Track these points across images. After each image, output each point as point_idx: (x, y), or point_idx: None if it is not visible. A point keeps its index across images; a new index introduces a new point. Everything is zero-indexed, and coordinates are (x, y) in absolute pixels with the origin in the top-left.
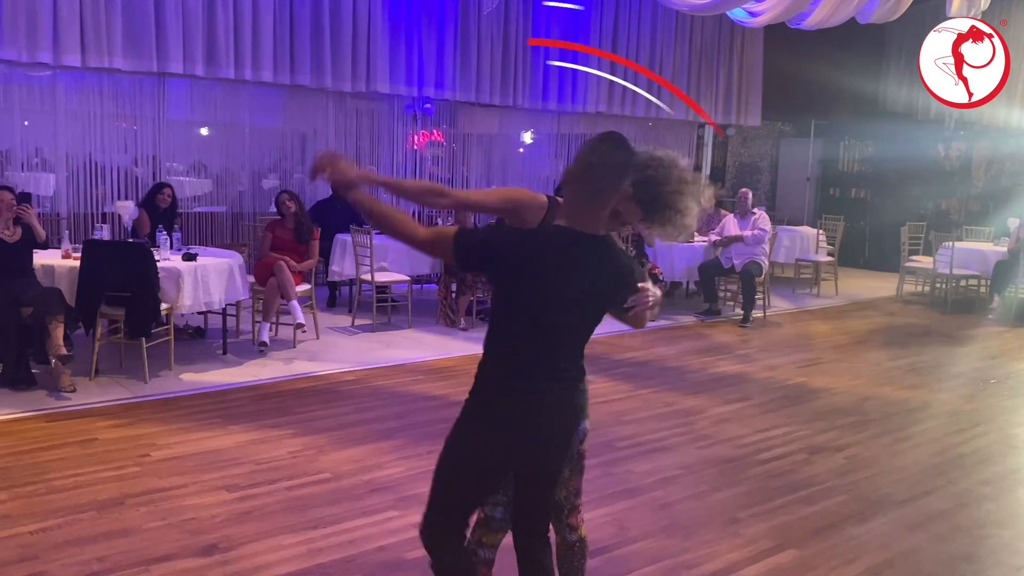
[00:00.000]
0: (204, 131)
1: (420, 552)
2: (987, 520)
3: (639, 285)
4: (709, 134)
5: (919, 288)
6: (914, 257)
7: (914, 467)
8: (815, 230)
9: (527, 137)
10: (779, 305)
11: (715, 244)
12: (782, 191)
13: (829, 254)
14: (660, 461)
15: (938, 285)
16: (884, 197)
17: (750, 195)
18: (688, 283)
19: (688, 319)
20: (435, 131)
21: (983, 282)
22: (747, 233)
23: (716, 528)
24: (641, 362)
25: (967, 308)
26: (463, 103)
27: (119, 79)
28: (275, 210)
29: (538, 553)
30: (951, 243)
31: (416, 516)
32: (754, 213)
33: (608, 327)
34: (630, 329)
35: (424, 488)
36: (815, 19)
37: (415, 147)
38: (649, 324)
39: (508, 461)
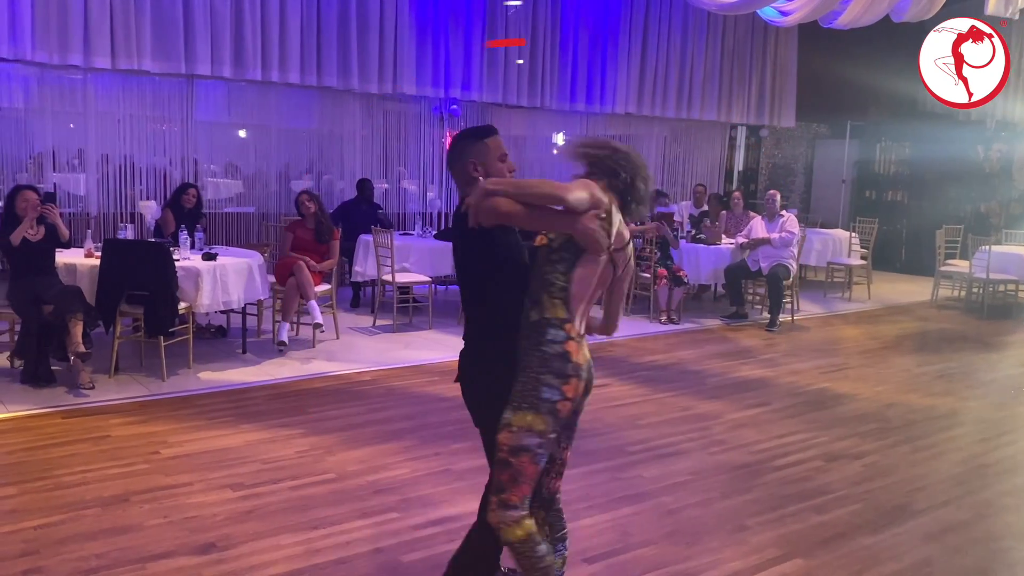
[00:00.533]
0: (242, 133)
1: (416, 555)
2: (1006, 532)
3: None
4: (742, 135)
5: (955, 293)
6: (950, 261)
7: (934, 476)
8: (847, 233)
9: (559, 139)
10: (809, 309)
11: (742, 246)
12: (817, 193)
13: (862, 257)
14: (670, 466)
15: (974, 290)
16: (921, 199)
17: (778, 197)
18: (716, 286)
19: (714, 322)
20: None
21: (1021, 287)
22: (775, 235)
23: (722, 536)
24: (661, 366)
25: (1004, 314)
26: (490, 104)
27: (154, 81)
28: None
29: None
30: (988, 247)
31: (417, 518)
32: (782, 215)
33: (630, 330)
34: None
35: (427, 490)
36: (847, 18)
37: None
38: (674, 327)
39: None
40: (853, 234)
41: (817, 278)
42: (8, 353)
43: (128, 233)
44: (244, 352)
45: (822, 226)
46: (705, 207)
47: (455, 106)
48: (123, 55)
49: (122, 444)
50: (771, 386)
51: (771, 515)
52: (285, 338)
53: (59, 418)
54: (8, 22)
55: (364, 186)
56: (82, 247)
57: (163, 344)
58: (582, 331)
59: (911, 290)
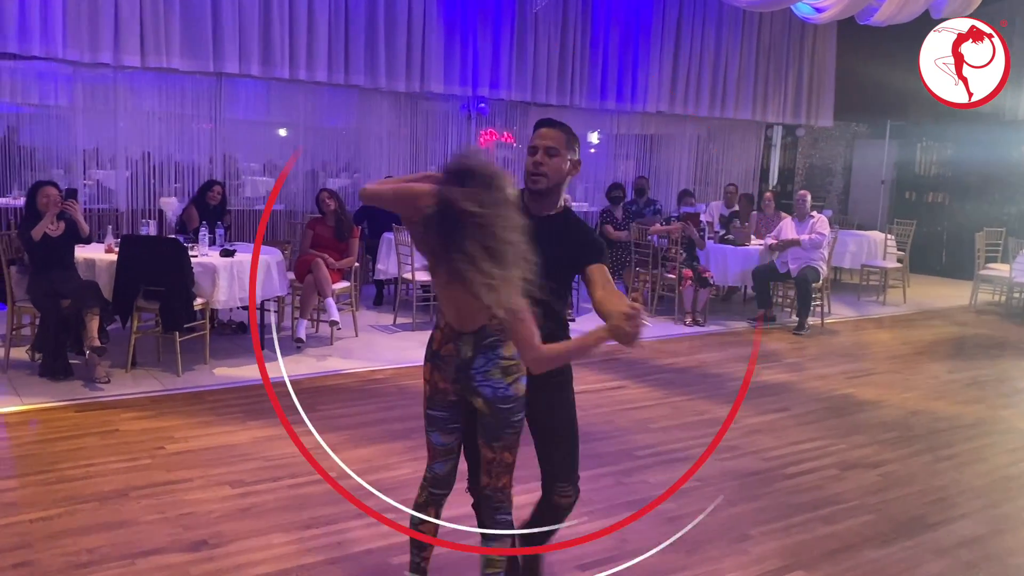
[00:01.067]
0: (282, 132)
1: (406, 557)
2: (1023, 548)
3: None
4: (777, 135)
5: (995, 297)
6: (991, 265)
7: (953, 488)
8: (883, 235)
9: (594, 138)
10: (841, 312)
11: (771, 248)
12: (855, 194)
13: (899, 260)
14: (677, 472)
15: (1015, 295)
16: (963, 201)
17: (808, 197)
18: (746, 288)
19: (741, 325)
20: (505, 133)
21: None
22: (804, 237)
23: (723, 544)
24: (681, 368)
25: None
26: (519, 103)
27: (194, 79)
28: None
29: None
30: None
31: None
32: (812, 216)
33: (654, 331)
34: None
35: None
36: (884, 14)
37: (482, 146)
38: (699, 329)
39: None
40: (889, 236)
41: (852, 280)
42: (28, 346)
43: (151, 229)
44: (262, 349)
45: (859, 227)
46: (736, 207)
47: (483, 104)
48: (152, 53)
49: (129, 439)
50: (793, 391)
51: (777, 525)
52: (303, 335)
53: (72, 411)
54: (40, 21)
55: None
56: (103, 243)
57: (178, 339)
58: (443, 324)
59: (950, 294)
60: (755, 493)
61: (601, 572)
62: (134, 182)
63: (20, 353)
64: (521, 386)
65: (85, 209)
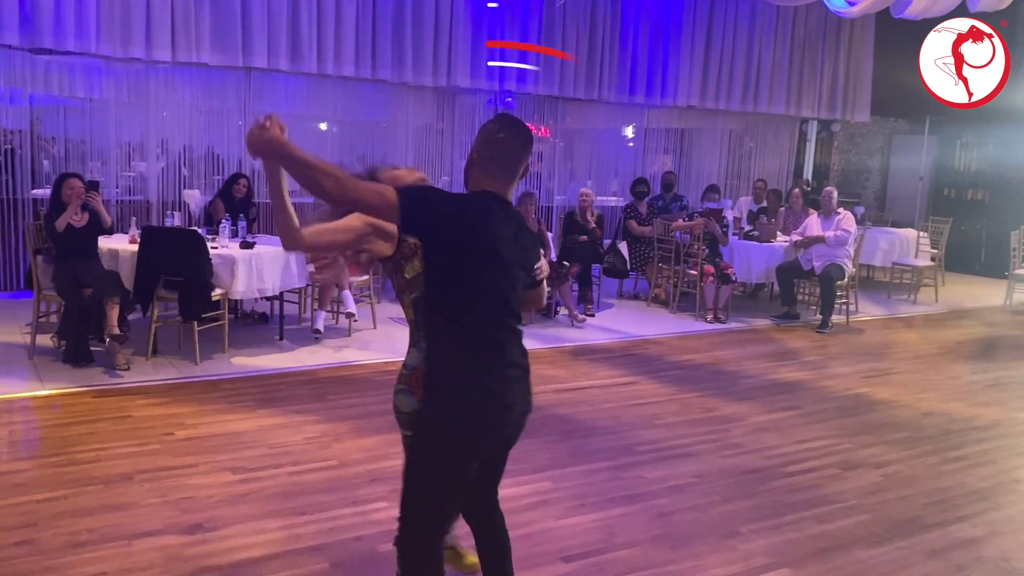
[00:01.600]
0: (323, 126)
1: (392, 545)
2: (1018, 552)
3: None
4: (812, 130)
5: None
6: None
7: (957, 490)
8: (916, 232)
9: (629, 131)
10: (868, 311)
11: (796, 245)
12: (892, 191)
13: (932, 259)
14: (676, 468)
15: None
16: (1004, 199)
17: (835, 194)
18: (773, 285)
19: (763, 322)
20: (541, 127)
21: None
22: (829, 234)
23: (711, 541)
24: (696, 365)
25: None
26: (546, 97)
27: (236, 74)
28: None
29: (500, 520)
30: None
31: None
32: (838, 213)
33: (673, 327)
34: (697, 331)
35: None
36: (917, 7)
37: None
38: (720, 326)
39: (483, 454)
40: (922, 234)
41: (884, 279)
42: (53, 334)
43: (175, 221)
44: (281, 339)
45: (893, 225)
46: (764, 203)
47: (510, 99)
48: (183, 48)
49: (141, 424)
50: (806, 389)
51: (768, 522)
52: (321, 326)
53: (90, 397)
54: (75, 17)
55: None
56: (127, 234)
57: (196, 328)
58: None
59: (985, 294)
60: (751, 491)
61: (584, 563)
62: (168, 175)
63: (46, 340)
64: (402, 399)
65: (120, 201)
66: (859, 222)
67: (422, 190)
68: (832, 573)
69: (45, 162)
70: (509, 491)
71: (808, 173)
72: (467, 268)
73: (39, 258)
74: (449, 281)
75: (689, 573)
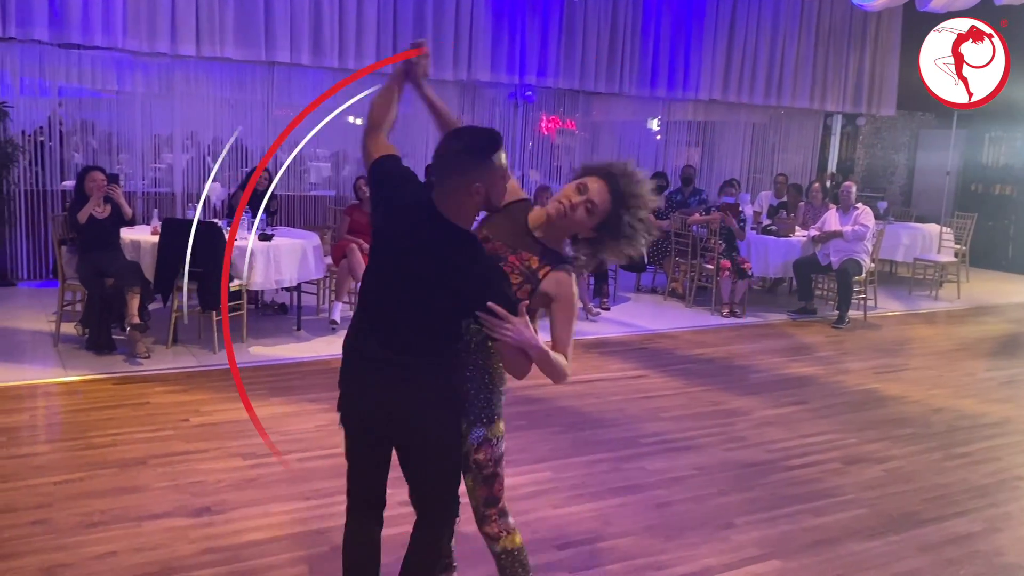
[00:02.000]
0: (356, 120)
1: (391, 531)
2: (1014, 548)
3: (495, 307)
4: (837, 124)
5: None
6: None
7: (958, 486)
8: (939, 228)
9: (654, 124)
10: (888, 306)
11: (814, 239)
12: (919, 186)
13: (956, 254)
14: (677, 460)
15: None
16: None
17: (853, 189)
18: (791, 280)
19: (779, 317)
20: (567, 120)
21: None
22: (846, 229)
23: (705, 532)
24: (707, 359)
25: None
26: (566, 90)
27: (264, 68)
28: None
29: (413, 540)
30: None
31: (405, 495)
32: (856, 208)
33: (688, 322)
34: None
35: None
36: (940, 1)
37: (544, 133)
38: (735, 320)
39: (360, 429)
40: (945, 230)
41: (907, 274)
42: (77, 322)
43: (196, 213)
44: (298, 329)
45: (918, 220)
46: (784, 198)
47: (530, 92)
48: (207, 42)
49: (157, 411)
50: (815, 384)
51: (764, 515)
52: (337, 317)
53: (110, 383)
54: (102, 12)
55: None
56: (149, 225)
57: (215, 318)
58: None
59: (1011, 290)
60: (750, 484)
61: (578, 551)
62: (193, 167)
63: (70, 328)
64: None
65: (146, 193)
66: (882, 217)
67: (389, 162)
68: (822, 565)
69: (75, 154)
70: (508, 480)
71: (832, 168)
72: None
73: (63, 248)
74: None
75: (679, 563)
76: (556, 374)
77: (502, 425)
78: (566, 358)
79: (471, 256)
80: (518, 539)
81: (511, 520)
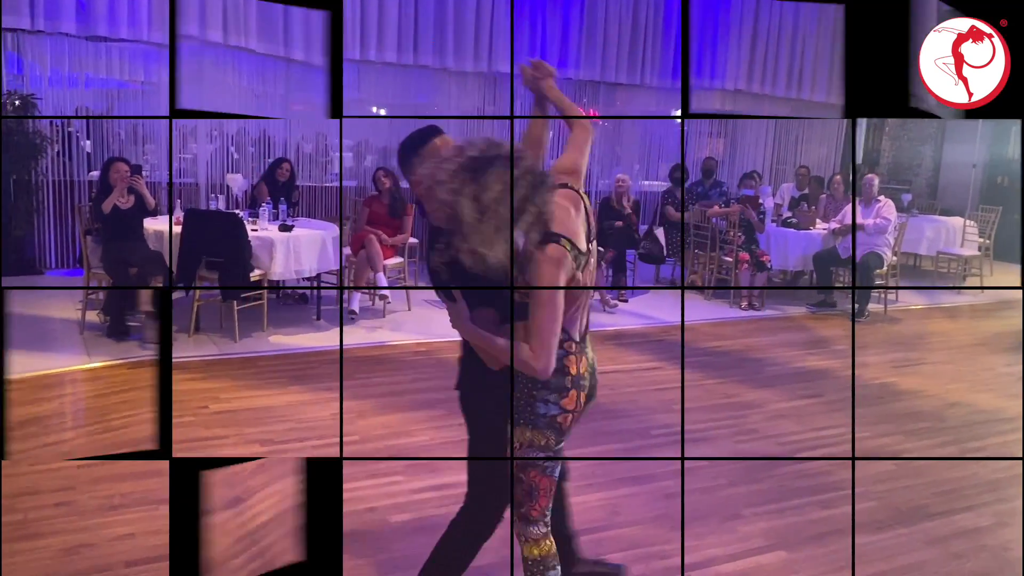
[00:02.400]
0: (381, 111)
1: (405, 516)
2: (1020, 542)
3: None
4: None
5: None
6: None
7: (969, 480)
8: (962, 220)
9: (677, 114)
10: (910, 300)
11: (834, 232)
12: (944, 179)
13: (979, 248)
14: (688, 452)
15: None
16: None
17: (875, 181)
18: (812, 273)
19: (799, 310)
20: (591, 110)
21: None
22: (868, 222)
23: (712, 523)
24: (724, 351)
25: None
26: (587, 82)
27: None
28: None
29: None
30: None
31: (421, 482)
32: (879, 201)
33: (705, 314)
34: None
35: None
36: None
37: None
38: (753, 313)
39: None
40: (969, 223)
41: (931, 268)
42: (99, 310)
43: (218, 204)
44: (318, 319)
45: (943, 213)
46: (806, 190)
47: None
48: (232, 34)
49: (178, 398)
50: (831, 378)
51: (772, 507)
52: (356, 307)
53: (125, 369)
54: (127, 5)
55: None
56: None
57: (236, 307)
58: (578, 337)
59: None
60: (759, 476)
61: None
62: (216, 158)
63: (93, 316)
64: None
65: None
66: (906, 210)
67: None
68: (828, 557)
69: (99, 145)
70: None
71: (858, 160)
72: None
73: (88, 238)
74: None
75: (685, 552)
76: (494, 361)
77: (529, 434)
78: (531, 349)
79: None
80: (535, 551)
81: (532, 529)
